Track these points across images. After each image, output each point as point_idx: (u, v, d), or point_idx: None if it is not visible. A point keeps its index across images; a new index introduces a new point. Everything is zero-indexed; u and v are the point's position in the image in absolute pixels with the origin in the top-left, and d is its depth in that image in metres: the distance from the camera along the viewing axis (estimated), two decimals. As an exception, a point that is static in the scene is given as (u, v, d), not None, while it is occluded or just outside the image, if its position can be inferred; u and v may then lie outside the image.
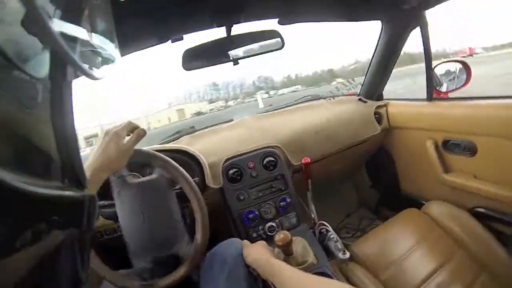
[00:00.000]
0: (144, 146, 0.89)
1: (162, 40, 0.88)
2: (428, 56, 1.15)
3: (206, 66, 0.90)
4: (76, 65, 0.20)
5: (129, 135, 0.69)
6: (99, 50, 0.26)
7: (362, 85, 1.48)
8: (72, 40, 0.21)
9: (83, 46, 0.22)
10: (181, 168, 0.78)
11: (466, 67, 1.20)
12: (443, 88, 1.23)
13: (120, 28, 0.31)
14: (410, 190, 1.51)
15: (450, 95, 1.24)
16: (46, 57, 0.21)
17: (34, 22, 0.17)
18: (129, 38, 0.80)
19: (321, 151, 1.22)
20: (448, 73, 1.25)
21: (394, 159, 1.52)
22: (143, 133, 0.70)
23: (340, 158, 1.36)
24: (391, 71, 1.36)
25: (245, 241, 0.82)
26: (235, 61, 0.89)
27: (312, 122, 1.26)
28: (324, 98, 1.53)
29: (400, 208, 1.20)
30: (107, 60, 0.28)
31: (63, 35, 0.19)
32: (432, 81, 1.19)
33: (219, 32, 0.88)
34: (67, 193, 0.22)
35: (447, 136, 1.17)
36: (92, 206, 0.25)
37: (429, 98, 1.21)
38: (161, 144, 1.15)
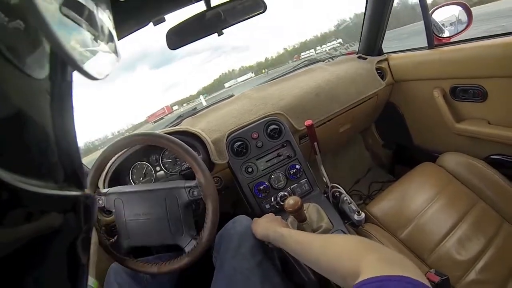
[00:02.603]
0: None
1: (142, 23, 0.85)
2: (423, 1, 1.08)
3: (191, 41, 0.88)
4: (76, 65, 0.20)
5: None
6: (99, 49, 0.25)
7: (360, 42, 1.42)
8: (72, 39, 0.20)
9: (83, 46, 0.21)
10: (182, 143, 0.77)
11: (465, 8, 1.12)
12: (445, 35, 1.16)
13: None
14: (423, 144, 1.47)
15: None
16: (45, 57, 0.21)
17: (33, 21, 0.17)
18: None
19: (325, 113, 1.18)
20: (447, 18, 1.18)
21: (403, 114, 1.47)
22: None
23: (347, 119, 1.33)
24: (387, 22, 1.29)
25: (255, 218, 0.80)
26: (220, 32, 0.86)
27: (312, 85, 1.21)
28: (323, 61, 1.48)
29: (415, 164, 1.16)
30: (107, 60, 0.27)
31: (63, 34, 0.18)
32: (430, 27, 1.12)
33: (200, 8, 0.85)
34: (67, 192, 0.22)
35: (454, 83, 1.12)
36: (92, 205, 0.25)
37: (430, 45, 1.15)
38: (164, 129, 1.13)
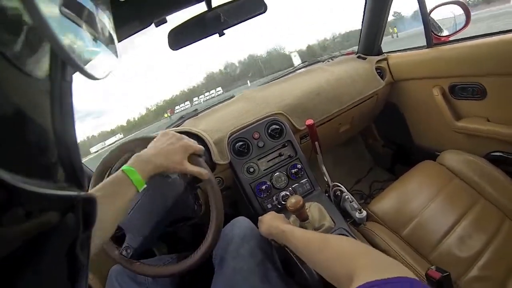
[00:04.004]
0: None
1: (145, 24, 0.86)
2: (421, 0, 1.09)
3: (193, 42, 0.88)
4: (76, 65, 0.20)
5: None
6: (99, 49, 0.25)
7: (359, 42, 1.43)
8: (72, 39, 0.20)
9: (83, 46, 0.22)
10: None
11: (463, 7, 1.13)
12: (444, 33, 1.17)
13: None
14: (423, 143, 1.47)
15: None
16: (45, 57, 0.21)
17: (33, 21, 0.17)
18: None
19: (325, 112, 1.18)
20: (445, 17, 1.19)
21: (403, 113, 1.48)
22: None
23: (347, 118, 1.33)
24: (386, 21, 1.31)
25: (260, 216, 0.81)
26: (221, 32, 0.86)
27: (312, 85, 1.22)
28: (323, 61, 1.49)
29: (416, 163, 1.17)
30: (107, 59, 0.27)
31: (63, 34, 0.18)
32: (429, 26, 1.13)
33: (201, 8, 0.86)
34: (67, 192, 0.22)
35: (453, 81, 1.12)
36: (92, 205, 0.24)
37: (429, 44, 1.15)
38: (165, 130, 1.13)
